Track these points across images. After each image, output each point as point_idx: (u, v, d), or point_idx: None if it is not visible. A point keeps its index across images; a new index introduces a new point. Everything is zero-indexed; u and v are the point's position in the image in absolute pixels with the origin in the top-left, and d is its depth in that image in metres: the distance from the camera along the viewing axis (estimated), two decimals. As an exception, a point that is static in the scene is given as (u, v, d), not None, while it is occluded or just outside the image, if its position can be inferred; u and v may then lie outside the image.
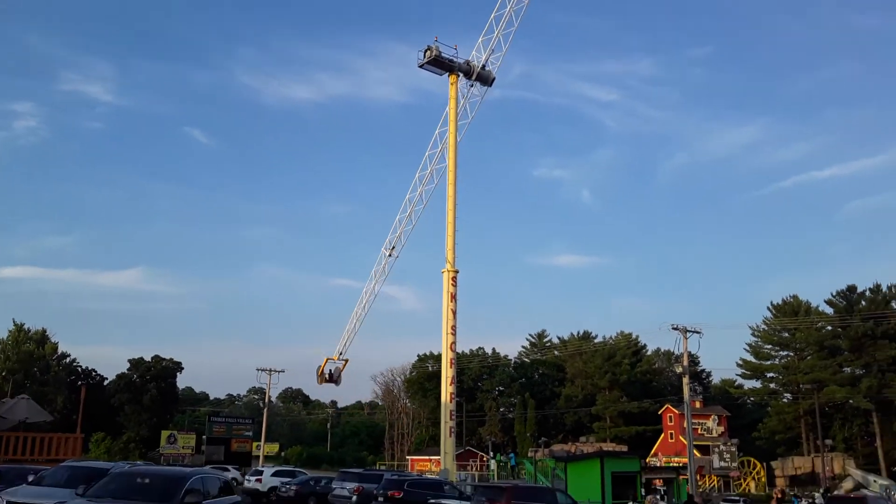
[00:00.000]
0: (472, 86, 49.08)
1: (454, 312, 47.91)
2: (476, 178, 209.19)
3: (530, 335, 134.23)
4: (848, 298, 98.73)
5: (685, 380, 53.85)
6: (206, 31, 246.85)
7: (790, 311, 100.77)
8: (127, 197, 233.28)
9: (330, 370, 57.10)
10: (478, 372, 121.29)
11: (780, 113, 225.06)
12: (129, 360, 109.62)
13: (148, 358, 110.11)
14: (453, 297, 47.83)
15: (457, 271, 48.18)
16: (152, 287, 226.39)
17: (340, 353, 56.94)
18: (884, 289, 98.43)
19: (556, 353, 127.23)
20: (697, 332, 54.44)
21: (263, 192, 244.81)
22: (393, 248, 53.39)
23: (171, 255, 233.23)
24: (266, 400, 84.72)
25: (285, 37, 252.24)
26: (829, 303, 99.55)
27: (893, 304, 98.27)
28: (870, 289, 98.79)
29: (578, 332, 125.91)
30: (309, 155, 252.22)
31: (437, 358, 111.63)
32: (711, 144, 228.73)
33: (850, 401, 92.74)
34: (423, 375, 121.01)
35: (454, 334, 47.86)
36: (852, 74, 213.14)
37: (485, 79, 49.30)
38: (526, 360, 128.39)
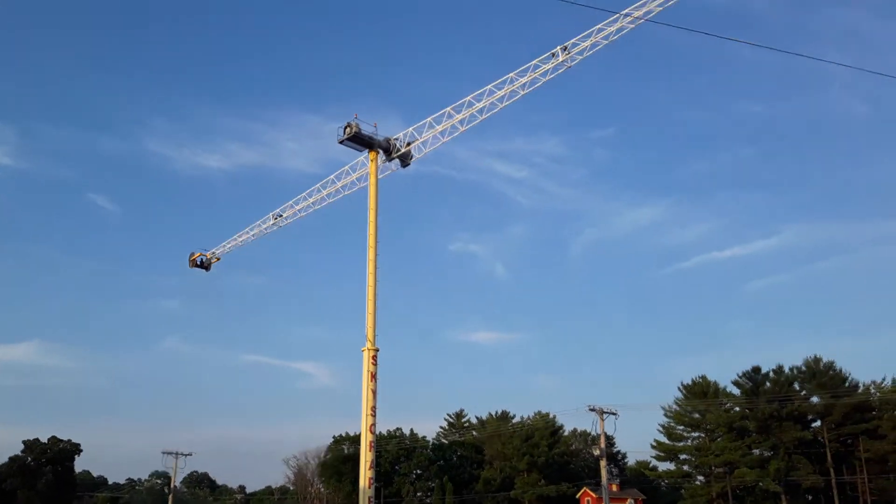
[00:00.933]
0: (386, 161, 49.53)
1: (374, 393, 46.93)
2: (391, 251, 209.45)
3: (448, 415, 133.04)
4: (753, 379, 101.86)
5: (602, 462, 53.98)
6: (116, 98, 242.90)
7: (699, 391, 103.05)
8: (23, 267, 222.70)
9: (202, 259, 60.10)
10: (395, 454, 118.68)
11: (679, 194, 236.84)
12: (24, 442, 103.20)
13: (44, 439, 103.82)
14: (373, 377, 46.93)
15: (377, 350, 47.50)
16: (49, 361, 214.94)
17: (214, 253, 60.45)
18: (786, 370, 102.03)
19: (474, 433, 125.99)
20: (613, 414, 54.98)
21: (169, 264, 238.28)
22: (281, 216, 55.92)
23: (70, 328, 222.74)
24: (171, 485, 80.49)
25: (198, 106, 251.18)
26: (735, 383, 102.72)
27: (796, 384, 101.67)
28: (773, 370, 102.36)
29: (497, 412, 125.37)
30: (218, 224, 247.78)
31: (355, 439, 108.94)
32: (617, 223, 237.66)
33: (760, 483, 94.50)
34: (339, 458, 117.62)
35: (374, 416, 46.72)
36: (745, 158, 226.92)
37: (404, 157, 49.89)
38: (444, 440, 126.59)
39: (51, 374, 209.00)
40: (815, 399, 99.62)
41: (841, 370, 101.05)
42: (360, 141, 48.89)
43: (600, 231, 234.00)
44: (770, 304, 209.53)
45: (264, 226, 58.46)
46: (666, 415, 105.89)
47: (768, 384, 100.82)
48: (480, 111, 46.15)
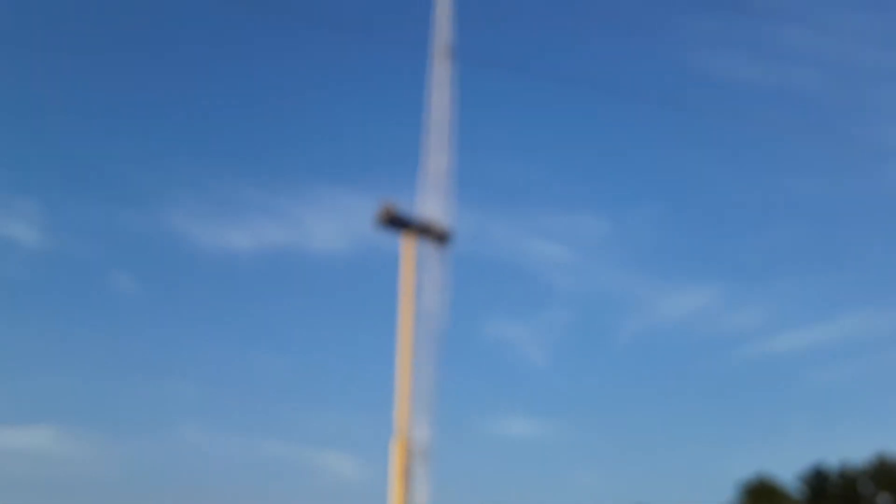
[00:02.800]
0: (431, 244, 47.38)
1: (409, 491, 43.44)
2: (419, 334, 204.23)
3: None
4: (816, 478, 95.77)
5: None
6: (139, 171, 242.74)
7: (757, 491, 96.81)
8: (38, 346, 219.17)
9: None
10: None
11: (731, 277, 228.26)
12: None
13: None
14: (406, 473, 43.54)
15: (412, 443, 44.22)
16: (63, 449, 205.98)
17: None
18: (851, 468, 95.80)
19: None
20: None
21: (191, 344, 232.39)
22: None
23: (86, 412, 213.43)
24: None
25: (223, 181, 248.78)
26: (797, 482, 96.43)
27: (861, 483, 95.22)
28: (838, 469, 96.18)
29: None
30: (244, 305, 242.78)
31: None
32: (665, 307, 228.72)
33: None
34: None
35: (405, 514, 43.14)
36: (800, 240, 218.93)
37: (442, 238, 47.76)
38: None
39: (64, 464, 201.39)
40: (882, 499, 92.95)
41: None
42: (396, 222, 47.01)
43: (647, 316, 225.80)
44: (831, 396, 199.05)
45: None
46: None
47: (832, 483, 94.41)
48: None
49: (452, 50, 47.32)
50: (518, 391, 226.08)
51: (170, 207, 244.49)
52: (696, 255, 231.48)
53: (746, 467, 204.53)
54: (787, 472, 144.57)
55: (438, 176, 46.38)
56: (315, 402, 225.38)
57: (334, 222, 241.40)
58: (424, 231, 47.38)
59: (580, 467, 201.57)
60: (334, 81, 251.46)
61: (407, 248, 47.10)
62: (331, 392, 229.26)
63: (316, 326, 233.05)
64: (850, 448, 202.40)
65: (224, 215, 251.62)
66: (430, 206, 47.86)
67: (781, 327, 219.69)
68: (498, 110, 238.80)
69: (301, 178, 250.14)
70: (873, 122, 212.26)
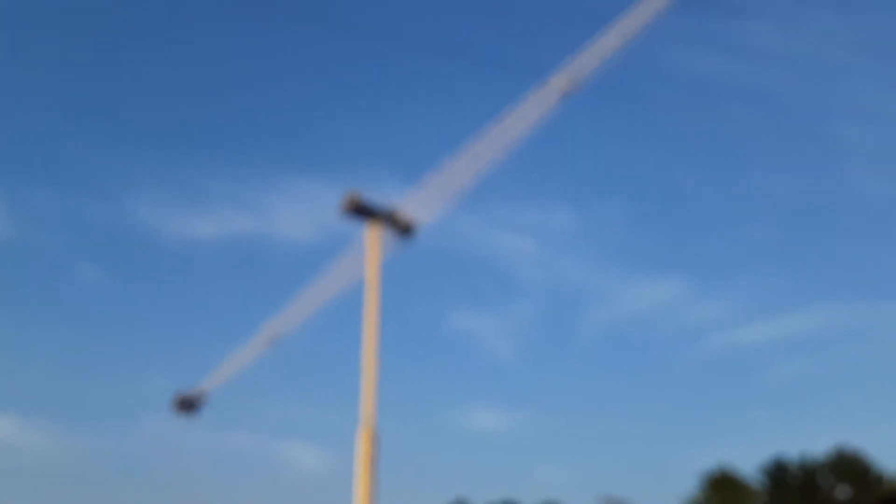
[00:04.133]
0: (393, 234, 47.35)
1: (374, 480, 43.28)
2: (385, 325, 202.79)
3: (449, 502, 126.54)
4: (776, 470, 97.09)
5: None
6: (105, 162, 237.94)
7: (719, 483, 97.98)
8: (1, 335, 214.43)
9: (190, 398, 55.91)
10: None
11: (696, 271, 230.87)
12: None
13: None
14: (371, 463, 43.39)
15: (376, 433, 44.03)
16: (25, 439, 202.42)
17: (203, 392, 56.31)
18: (810, 460, 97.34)
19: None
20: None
21: (154, 335, 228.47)
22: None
23: (48, 402, 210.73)
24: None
25: (187, 170, 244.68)
26: (757, 474, 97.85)
27: (820, 475, 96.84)
28: (797, 461, 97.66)
29: (501, 501, 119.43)
30: (209, 295, 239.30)
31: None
32: (631, 301, 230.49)
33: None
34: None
35: (372, 504, 42.97)
36: (763, 236, 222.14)
37: (408, 229, 47.72)
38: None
39: (26, 454, 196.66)
40: (841, 490, 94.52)
41: (867, 460, 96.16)
42: (361, 211, 46.88)
43: (612, 308, 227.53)
44: (792, 390, 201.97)
45: (256, 349, 55.01)
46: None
47: (792, 475, 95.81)
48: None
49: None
50: (484, 383, 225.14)
51: (134, 197, 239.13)
52: (662, 249, 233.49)
53: (709, 459, 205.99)
54: (749, 463, 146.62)
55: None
56: (278, 394, 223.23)
57: (300, 211, 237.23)
58: (390, 221, 47.35)
59: (546, 459, 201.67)
60: (301, 72, 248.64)
61: (372, 237, 47.04)
62: (294, 383, 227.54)
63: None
64: (810, 441, 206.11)
65: (189, 205, 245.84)
66: (395, 192, 47.88)
67: (744, 321, 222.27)
68: (465, 103, 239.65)
69: (266, 167, 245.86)
70: (838, 121, 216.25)
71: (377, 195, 47.34)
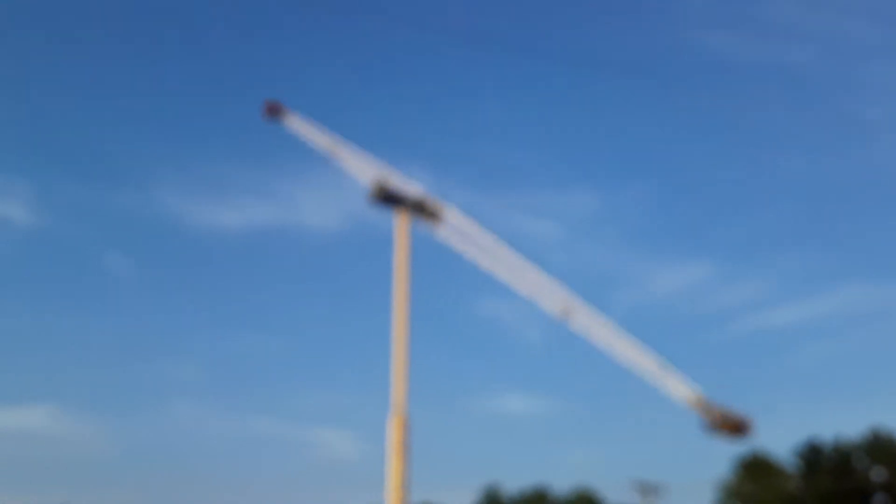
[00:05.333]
0: (420, 221, 47.30)
1: (405, 465, 43.54)
2: (413, 311, 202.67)
3: (481, 488, 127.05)
4: (811, 453, 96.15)
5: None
6: (132, 153, 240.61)
7: (753, 466, 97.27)
8: (34, 326, 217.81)
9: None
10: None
11: (723, 254, 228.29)
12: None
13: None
14: (403, 448, 43.64)
15: (407, 419, 44.26)
16: (62, 428, 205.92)
17: None
18: (845, 442, 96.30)
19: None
20: (658, 489, 50.68)
21: (184, 324, 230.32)
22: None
23: (83, 392, 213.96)
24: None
25: (213, 160, 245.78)
26: (792, 457, 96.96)
27: (855, 458, 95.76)
28: (832, 443, 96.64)
29: (533, 485, 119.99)
30: (236, 285, 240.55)
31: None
32: (658, 284, 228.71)
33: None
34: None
35: (405, 491, 43.25)
36: (791, 216, 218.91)
37: (434, 215, 47.64)
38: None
39: (62, 442, 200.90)
40: (876, 473, 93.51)
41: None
42: (388, 198, 46.90)
43: (639, 293, 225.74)
44: (824, 371, 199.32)
45: None
46: (721, 491, 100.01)
47: (826, 457, 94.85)
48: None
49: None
50: (513, 369, 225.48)
51: (162, 188, 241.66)
52: (688, 232, 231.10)
53: (741, 442, 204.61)
54: (782, 446, 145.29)
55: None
56: (309, 380, 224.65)
57: (326, 200, 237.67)
58: (418, 208, 47.32)
59: (576, 444, 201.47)
60: (324, 60, 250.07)
61: (400, 223, 47.04)
62: (324, 370, 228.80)
63: (309, 305, 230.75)
64: (844, 422, 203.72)
65: (215, 195, 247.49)
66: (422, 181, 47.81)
67: (775, 303, 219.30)
68: (490, 91, 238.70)
69: (291, 157, 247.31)
70: (863, 99, 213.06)
71: (409, 184, 47.33)
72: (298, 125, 53.25)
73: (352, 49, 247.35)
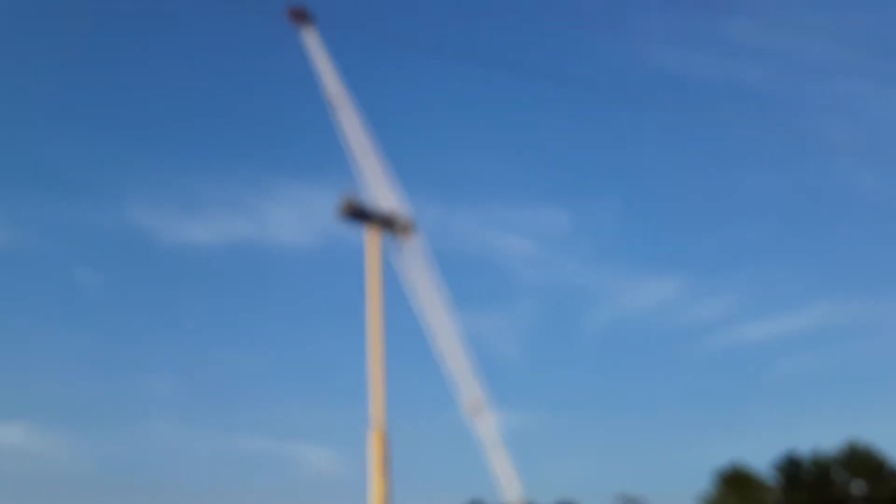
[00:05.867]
0: (393, 237, 47.84)
1: (387, 480, 43.27)
2: (389, 325, 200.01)
3: (465, 502, 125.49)
4: (789, 465, 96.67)
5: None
6: (99, 166, 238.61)
7: (733, 479, 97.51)
8: (5, 343, 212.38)
9: None
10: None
11: (694, 269, 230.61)
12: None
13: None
14: (384, 463, 43.42)
15: (386, 434, 44.14)
16: (37, 445, 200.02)
17: None
18: (823, 455, 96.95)
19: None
20: (640, 501, 50.70)
21: (158, 339, 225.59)
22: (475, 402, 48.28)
23: (57, 409, 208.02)
24: None
25: (184, 175, 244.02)
26: (771, 470, 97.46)
27: (833, 471, 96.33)
28: (810, 456, 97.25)
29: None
30: (209, 300, 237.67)
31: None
32: (631, 299, 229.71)
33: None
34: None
35: (386, 505, 42.92)
36: (758, 233, 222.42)
37: (405, 229, 48.23)
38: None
39: (38, 459, 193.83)
40: (855, 485, 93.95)
41: (880, 454, 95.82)
42: (358, 215, 47.44)
43: (614, 307, 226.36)
44: (800, 384, 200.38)
45: None
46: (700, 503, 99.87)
47: (805, 470, 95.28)
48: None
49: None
50: (491, 383, 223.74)
51: (131, 203, 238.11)
52: (659, 248, 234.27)
53: (721, 456, 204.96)
54: (761, 459, 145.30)
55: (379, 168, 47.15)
56: (286, 397, 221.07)
57: (297, 216, 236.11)
58: (387, 223, 47.87)
59: (558, 458, 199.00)
60: (292, 77, 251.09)
61: (371, 240, 47.49)
62: (302, 386, 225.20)
63: (283, 320, 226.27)
64: (822, 435, 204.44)
65: (185, 210, 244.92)
66: (388, 197, 48.38)
67: (747, 318, 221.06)
68: (459, 106, 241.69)
69: (262, 173, 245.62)
70: (822, 117, 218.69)
71: (369, 199, 47.90)
72: (315, 45, 52.35)
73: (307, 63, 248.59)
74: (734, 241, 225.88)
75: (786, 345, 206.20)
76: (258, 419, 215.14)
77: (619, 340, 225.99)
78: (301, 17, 53.44)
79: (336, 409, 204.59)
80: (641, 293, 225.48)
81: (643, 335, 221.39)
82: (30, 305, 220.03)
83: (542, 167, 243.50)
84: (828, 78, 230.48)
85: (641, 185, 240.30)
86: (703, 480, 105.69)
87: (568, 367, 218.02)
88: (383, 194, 47.08)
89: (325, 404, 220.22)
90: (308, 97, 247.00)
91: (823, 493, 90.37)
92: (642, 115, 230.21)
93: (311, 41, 52.67)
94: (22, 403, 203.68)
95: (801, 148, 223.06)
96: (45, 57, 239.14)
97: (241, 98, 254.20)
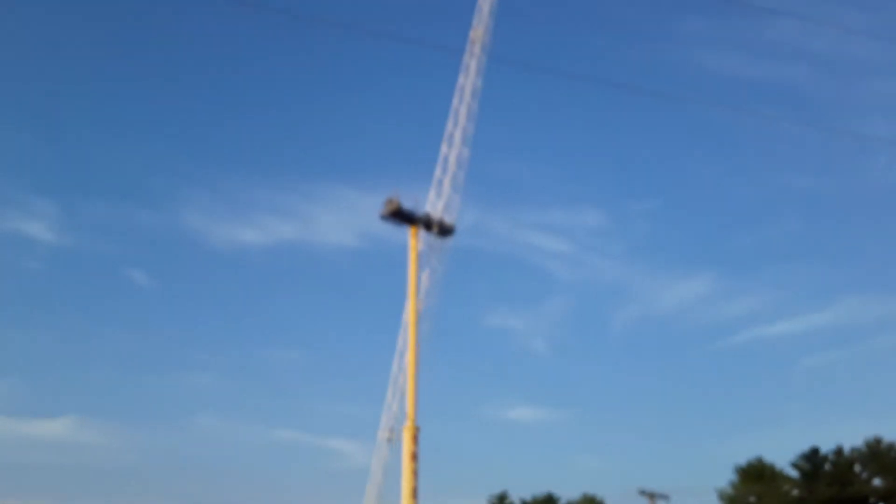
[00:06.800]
0: (435, 237, 49.14)
1: (415, 474, 45.21)
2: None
3: (491, 496, 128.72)
4: (812, 461, 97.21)
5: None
6: (153, 172, 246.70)
7: (755, 474, 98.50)
8: (61, 341, 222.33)
9: None
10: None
11: (725, 268, 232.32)
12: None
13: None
14: (414, 457, 45.33)
15: (418, 428, 45.95)
16: (84, 437, 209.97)
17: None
18: (846, 451, 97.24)
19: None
20: (665, 497, 52.21)
21: (205, 337, 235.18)
22: (391, 431, 49.13)
23: (105, 403, 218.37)
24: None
25: (234, 179, 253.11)
26: (793, 466, 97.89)
27: (857, 467, 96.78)
28: (832, 452, 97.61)
29: (541, 494, 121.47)
30: (255, 300, 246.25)
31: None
32: (662, 297, 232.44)
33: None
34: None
35: (416, 498, 44.88)
36: (792, 232, 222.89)
37: (445, 230, 49.44)
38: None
39: (86, 451, 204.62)
40: (877, 482, 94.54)
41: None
42: (400, 216, 48.73)
43: (644, 306, 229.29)
44: (826, 382, 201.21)
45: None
46: (721, 498, 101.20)
47: (828, 466, 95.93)
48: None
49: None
50: (521, 379, 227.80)
51: (183, 207, 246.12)
52: (691, 247, 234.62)
53: (744, 451, 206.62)
54: (784, 455, 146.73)
55: (452, 169, 48.19)
56: (326, 392, 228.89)
57: (342, 218, 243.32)
58: (428, 225, 49.10)
59: (583, 452, 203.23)
60: (338, 83, 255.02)
61: (413, 241, 48.80)
62: (341, 382, 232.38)
63: (325, 319, 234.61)
64: (845, 432, 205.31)
65: (235, 213, 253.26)
66: (437, 201, 49.54)
67: (775, 315, 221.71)
68: (497, 108, 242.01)
69: (308, 176, 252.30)
70: (862, 116, 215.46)
71: (415, 201, 49.12)
72: None
73: (362, 68, 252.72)
74: (767, 240, 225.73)
75: (812, 342, 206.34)
76: (299, 414, 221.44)
77: (648, 338, 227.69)
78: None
79: (371, 404, 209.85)
80: (672, 291, 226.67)
81: (672, 332, 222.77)
82: (84, 304, 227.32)
83: (579, 168, 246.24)
84: (867, 76, 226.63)
85: (677, 185, 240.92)
86: (727, 477, 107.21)
87: (596, 363, 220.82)
88: (444, 195, 48.36)
89: (358, 400, 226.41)
90: (352, 105, 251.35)
91: (845, 489, 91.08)
92: (680, 117, 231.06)
93: None
94: (74, 398, 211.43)
95: (839, 147, 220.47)
96: (100, 66, 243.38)
97: (289, 106, 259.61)
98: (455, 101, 46.98)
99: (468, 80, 47.31)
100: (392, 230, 50.00)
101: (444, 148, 47.97)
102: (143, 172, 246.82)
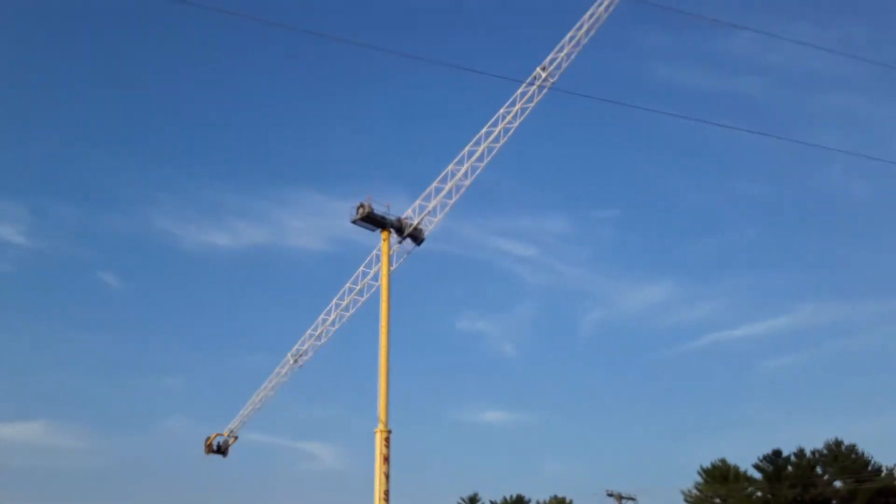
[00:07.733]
0: (401, 242, 49.86)
1: (387, 476, 45.67)
2: (397, 329, 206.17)
3: (462, 498, 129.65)
4: (774, 463, 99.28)
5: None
6: (122, 175, 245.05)
7: (720, 475, 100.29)
8: (32, 344, 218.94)
9: (218, 443, 59.89)
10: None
11: (686, 273, 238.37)
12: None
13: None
14: (386, 460, 45.79)
15: (390, 431, 46.44)
16: (55, 441, 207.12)
17: (231, 431, 60.40)
18: (808, 453, 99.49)
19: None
20: (632, 499, 53.25)
21: (176, 341, 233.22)
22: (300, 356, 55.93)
23: (76, 407, 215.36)
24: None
25: (203, 184, 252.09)
26: (756, 467, 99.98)
27: (818, 468, 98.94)
28: (794, 454, 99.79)
29: (511, 496, 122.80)
30: (227, 304, 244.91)
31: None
32: (625, 302, 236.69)
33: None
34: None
35: (387, 501, 45.32)
36: (750, 239, 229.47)
37: (416, 237, 50.15)
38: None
39: (57, 455, 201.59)
40: (837, 483, 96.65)
41: (863, 453, 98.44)
42: (372, 221, 49.31)
43: (609, 310, 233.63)
44: (786, 384, 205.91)
45: (283, 371, 58.61)
46: (686, 500, 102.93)
47: (790, 468, 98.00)
48: (481, 158, 47.25)
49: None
50: (490, 383, 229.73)
51: (153, 210, 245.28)
52: (653, 253, 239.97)
53: (708, 453, 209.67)
54: (747, 457, 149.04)
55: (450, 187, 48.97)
56: (296, 396, 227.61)
57: (311, 223, 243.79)
58: (398, 229, 49.77)
59: (552, 455, 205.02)
60: (308, 89, 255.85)
61: (385, 245, 49.41)
62: (311, 386, 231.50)
63: (296, 322, 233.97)
64: (805, 434, 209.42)
65: (205, 217, 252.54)
66: (401, 204, 50.26)
67: (735, 320, 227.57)
68: (466, 119, 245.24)
69: (278, 181, 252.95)
70: (816, 126, 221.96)
71: (383, 206, 49.84)
72: None
73: (332, 75, 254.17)
74: (725, 247, 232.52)
75: (771, 345, 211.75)
76: (267, 418, 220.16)
77: (613, 341, 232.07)
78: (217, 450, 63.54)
79: (342, 407, 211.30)
80: (635, 296, 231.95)
81: (636, 336, 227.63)
82: (55, 308, 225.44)
83: (545, 177, 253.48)
84: (823, 89, 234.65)
85: (639, 194, 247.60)
86: (691, 478, 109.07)
87: (564, 367, 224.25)
88: (430, 206, 49.25)
89: (330, 404, 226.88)
90: (321, 112, 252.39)
91: (807, 491, 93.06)
92: (641, 128, 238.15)
93: None
94: (42, 402, 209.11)
95: (796, 156, 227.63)
96: (72, 69, 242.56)
97: (259, 112, 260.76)
98: (488, 127, 48.03)
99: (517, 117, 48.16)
100: (363, 235, 50.56)
101: (451, 166, 48.79)
102: (112, 176, 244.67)
